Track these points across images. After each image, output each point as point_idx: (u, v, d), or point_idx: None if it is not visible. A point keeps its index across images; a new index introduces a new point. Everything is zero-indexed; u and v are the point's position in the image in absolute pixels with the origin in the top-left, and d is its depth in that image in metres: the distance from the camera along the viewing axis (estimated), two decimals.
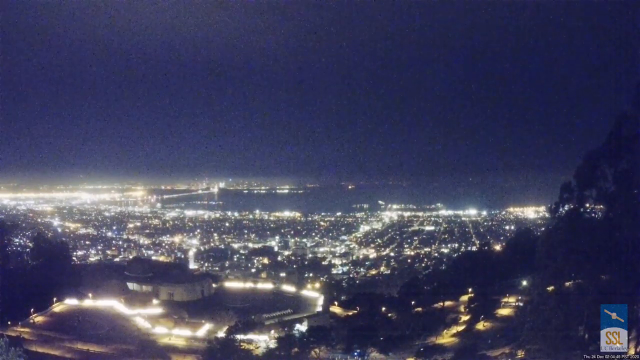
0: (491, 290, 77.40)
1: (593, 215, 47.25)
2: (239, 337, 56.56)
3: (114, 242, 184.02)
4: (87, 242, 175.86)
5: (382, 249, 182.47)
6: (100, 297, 75.16)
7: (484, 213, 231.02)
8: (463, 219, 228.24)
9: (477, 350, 53.12)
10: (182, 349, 60.15)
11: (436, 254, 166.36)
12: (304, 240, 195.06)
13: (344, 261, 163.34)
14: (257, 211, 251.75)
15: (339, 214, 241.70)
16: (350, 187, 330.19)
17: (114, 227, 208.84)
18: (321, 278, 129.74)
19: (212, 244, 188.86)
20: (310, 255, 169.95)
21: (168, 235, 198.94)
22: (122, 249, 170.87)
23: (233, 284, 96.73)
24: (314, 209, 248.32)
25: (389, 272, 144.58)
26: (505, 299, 74.59)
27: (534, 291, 50.42)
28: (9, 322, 63.06)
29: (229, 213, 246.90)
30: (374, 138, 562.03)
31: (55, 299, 72.44)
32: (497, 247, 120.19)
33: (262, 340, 59.03)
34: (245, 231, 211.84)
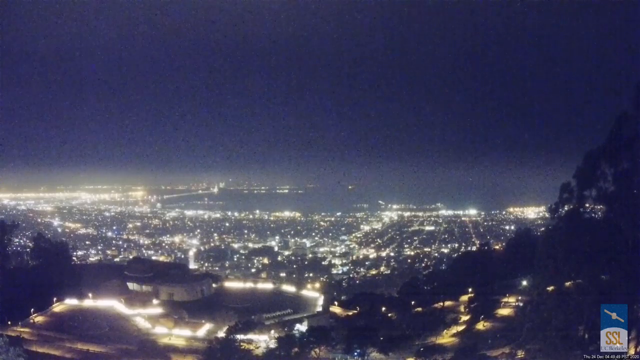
0: (491, 290, 77.39)
1: (593, 215, 47.22)
2: (239, 337, 56.56)
3: (114, 242, 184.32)
4: (87, 242, 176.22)
5: (382, 249, 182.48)
6: (100, 297, 75.17)
7: (484, 213, 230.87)
8: (463, 219, 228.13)
9: (477, 350, 53.16)
10: (182, 349, 60.22)
11: (436, 254, 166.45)
12: (304, 240, 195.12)
13: (344, 261, 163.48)
14: (257, 211, 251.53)
15: (339, 214, 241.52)
16: (350, 187, 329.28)
17: (114, 227, 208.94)
18: (321, 278, 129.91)
19: (212, 244, 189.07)
20: (310, 255, 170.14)
21: (168, 235, 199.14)
22: (122, 249, 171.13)
23: (233, 284, 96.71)
24: (314, 209, 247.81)
25: (389, 272, 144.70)
26: (505, 299, 74.65)
27: (534, 291, 50.46)
28: (9, 322, 63.17)
29: (229, 213, 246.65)
30: (374, 137, 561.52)
31: (55, 299, 72.51)
32: (497, 247, 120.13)
33: (262, 340, 59.08)
34: (245, 231, 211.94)
